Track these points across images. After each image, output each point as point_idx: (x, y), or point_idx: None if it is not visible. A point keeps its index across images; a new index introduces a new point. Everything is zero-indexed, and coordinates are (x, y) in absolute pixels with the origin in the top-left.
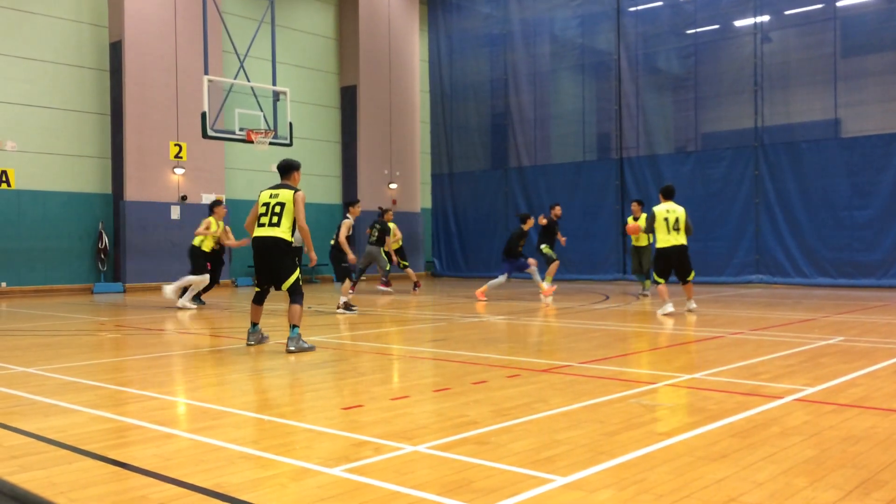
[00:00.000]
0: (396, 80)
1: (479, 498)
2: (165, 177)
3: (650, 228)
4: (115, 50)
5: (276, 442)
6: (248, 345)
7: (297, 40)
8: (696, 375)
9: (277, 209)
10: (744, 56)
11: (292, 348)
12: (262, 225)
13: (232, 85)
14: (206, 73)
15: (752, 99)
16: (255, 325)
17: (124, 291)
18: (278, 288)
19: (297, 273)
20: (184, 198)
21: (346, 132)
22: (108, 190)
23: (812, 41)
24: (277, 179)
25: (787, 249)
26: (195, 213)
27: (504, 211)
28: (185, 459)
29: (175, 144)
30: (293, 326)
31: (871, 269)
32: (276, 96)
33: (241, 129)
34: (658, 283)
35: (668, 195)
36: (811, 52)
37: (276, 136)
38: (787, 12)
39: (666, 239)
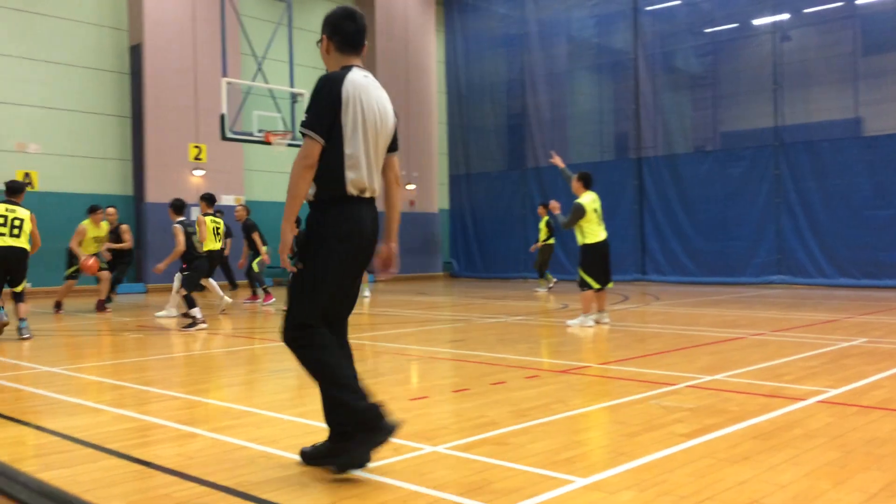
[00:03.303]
0: (413, 82)
1: (499, 498)
2: (185, 178)
3: (574, 222)
4: (135, 53)
5: (296, 441)
6: None
7: (315, 42)
8: (718, 377)
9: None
10: (763, 55)
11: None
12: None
13: (250, 87)
14: (224, 75)
15: (771, 98)
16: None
17: (146, 292)
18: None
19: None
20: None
21: None
22: (130, 192)
23: (832, 39)
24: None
25: (808, 249)
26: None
27: (521, 211)
28: (207, 458)
29: (194, 146)
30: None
31: (894, 270)
32: (294, 98)
33: (259, 131)
34: (593, 289)
35: (589, 183)
36: (831, 50)
37: (293, 138)
38: (806, 11)
39: (598, 232)
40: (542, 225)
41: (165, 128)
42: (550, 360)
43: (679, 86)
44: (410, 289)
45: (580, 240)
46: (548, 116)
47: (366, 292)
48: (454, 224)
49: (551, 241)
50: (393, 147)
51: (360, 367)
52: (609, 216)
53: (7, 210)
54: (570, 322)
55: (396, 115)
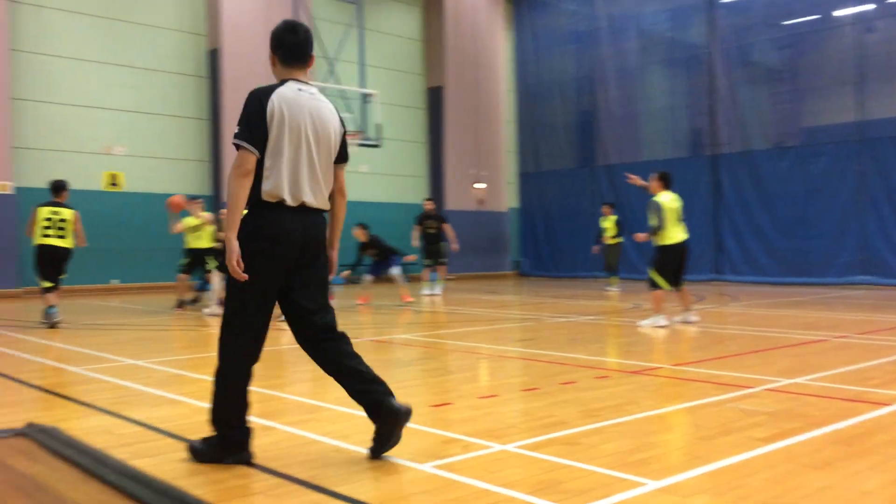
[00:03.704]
0: (482, 80)
1: (569, 499)
2: None
3: (663, 222)
4: (213, 57)
5: (367, 437)
6: None
7: (385, 43)
8: (798, 380)
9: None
10: (845, 47)
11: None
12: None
13: (322, 88)
14: None
15: (854, 92)
16: None
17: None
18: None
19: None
20: None
21: (432, 132)
22: (208, 192)
23: None
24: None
25: (894, 249)
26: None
27: (591, 210)
28: (283, 451)
29: None
30: None
31: None
32: (365, 98)
33: None
34: (664, 289)
35: (668, 183)
36: None
37: (365, 138)
38: (891, 1)
39: (675, 233)
40: (610, 224)
41: None
42: (622, 361)
43: (756, 80)
44: (479, 287)
45: (656, 240)
46: (619, 113)
47: (437, 290)
48: (523, 222)
49: (619, 239)
50: (340, 158)
51: (430, 364)
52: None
53: (52, 212)
54: (641, 322)
55: (344, 125)
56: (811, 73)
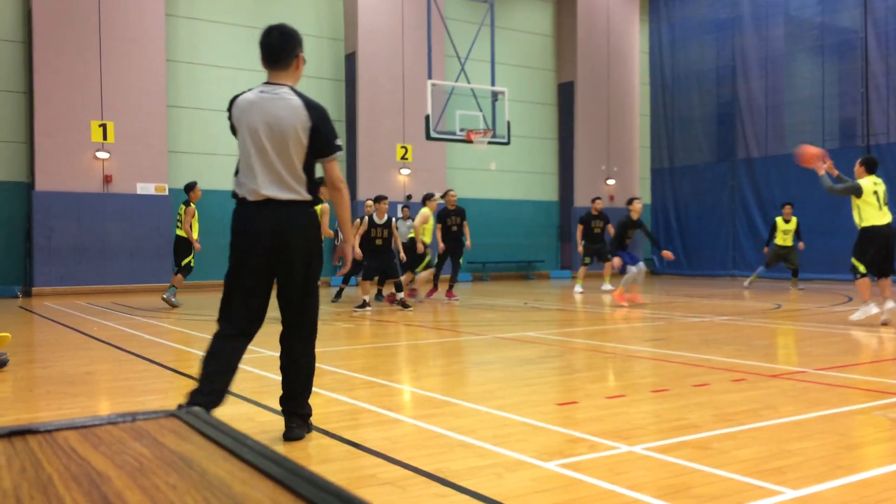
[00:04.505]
0: (615, 74)
1: None
2: (392, 178)
3: (840, 191)
4: (350, 61)
5: (492, 433)
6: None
7: (516, 40)
8: None
9: None
10: None
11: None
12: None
13: (453, 87)
14: (429, 77)
15: None
16: None
17: (357, 285)
18: None
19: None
20: (409, 197)
21: (563, 128)
22: None
23: None
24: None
25: None
26: (418, 210)
27: (730, 206)
28: (410, 443)
29: (401, 147)
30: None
31: None
32: (495, 96)
33: (461, 130)
34: (864, 276)
35: (872, 168)
36: None
37: (494, 136)
38: None
39: (878, 216)
40: (793, 225)
41: (375, 130)
42: (760, 364)
43: None
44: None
45: (857, 223)
46: (761, 104)
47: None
48: (656, 219)
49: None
50: (322, 153)
51: (556, 362)
52: (832, 210)
53: (180, 208)
54: (852, 317)
55: (319, 120)
56: None
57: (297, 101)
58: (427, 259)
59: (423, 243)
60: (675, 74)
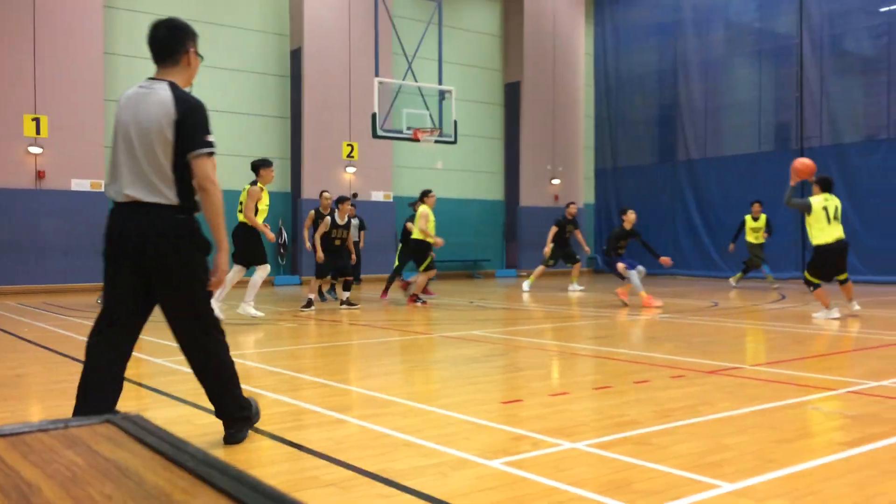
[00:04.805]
0: (560, 75)
1: (640, 499)
2: (338, 176)
3: (793, 205)
4: (296, 57)
5: (437, 432)
6: None
7: (463, 39)
8: (884, 383)
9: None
10: None
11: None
12: None
13: (400, 86)
14: (376, 75)
15: None
16: None
17: (301, 283)
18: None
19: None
20: (355, 195)
21: (509, 128)
22: (288, 189)
23: None
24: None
25: None
26: (365, 209)
27: (671, 206)
28: (354, 444)
29: (347, 144)
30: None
31: None
32: (442, 95)
33: (408, 129)
34: (818, 286)
35: (827, 187)
36: None
37: (441, 134)
38: None
39: (827, 233)
40: (762, 223)
41: (322, 127)
42: (698, 360)
43: (849, 70)
44: (553, 284)
45: (810, 240)
46: (701, 107)
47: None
48: (599, 219)
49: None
50: (186, 147)
51: (501, 361)
52: (768, 211)
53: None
54: (815, 315)
55: (185, 113)
56: None
57: (168, 95)
58: (430, 259)
59: (434, 242)
60: (619, 77)
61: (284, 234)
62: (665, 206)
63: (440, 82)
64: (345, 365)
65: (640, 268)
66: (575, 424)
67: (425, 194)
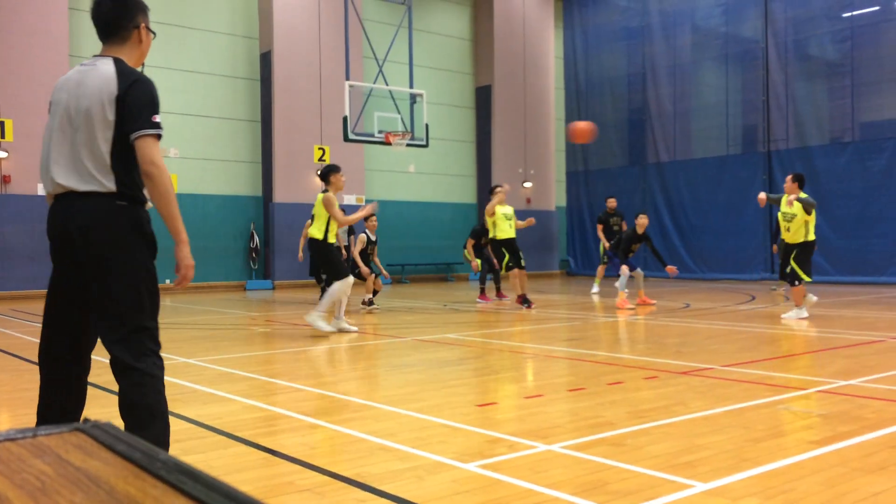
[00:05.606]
0: (531, 78)
1: (615, 500)
2: (310, 179)
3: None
4: (265, 60)
5: (412, 436)
6: None
7: (434, 43)
8: (853, 382)
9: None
10: None
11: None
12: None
13: (371, 89)
14: (347, 78)
15: None
16: None
17: (273, 288)
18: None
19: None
20: None
21: (480, 131)
22: (259, 192)
23: None
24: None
25: None
26: None
27: (642, 208)
28: (329, 449)
29: (319, 148)
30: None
31: None
32: (413, 98)
33: (379, 132)
34: (804, 282)
35: (803, 184)
36: None
37: (412, 138)
38: None
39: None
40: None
41: (292, 131)
42: (671, 361)
43: (813, 74)
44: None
45: (803, 237)
46: (670, 110)
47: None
48: (571, 221)
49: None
50: (128, 126)
51: (475, 364)
52: (736, 212)
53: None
54: (784, 315)
55: (122, 90)
56: (871, 67)
57: (111, 69)
58: (507, 259)
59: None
60: (589, 80)
61: (256, 239)
62: (635, 208)
63: (411, 86)
64: (318, 369)
65: (639, 270)
66: (550, 426)
67: (494, 189)
